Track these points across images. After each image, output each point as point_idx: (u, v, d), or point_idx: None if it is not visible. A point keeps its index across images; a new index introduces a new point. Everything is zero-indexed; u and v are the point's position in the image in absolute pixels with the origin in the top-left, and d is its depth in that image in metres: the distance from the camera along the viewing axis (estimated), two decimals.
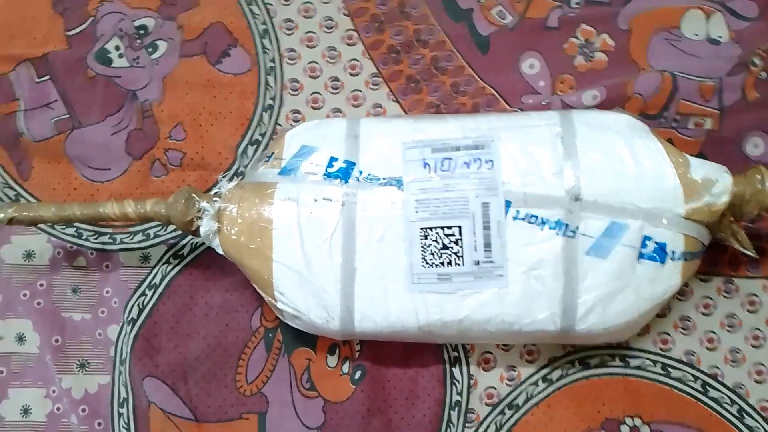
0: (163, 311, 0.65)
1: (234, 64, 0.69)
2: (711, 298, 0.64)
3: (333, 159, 0.58)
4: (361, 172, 0.57)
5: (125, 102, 0.69)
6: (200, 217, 0.57)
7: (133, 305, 0.66)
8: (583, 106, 0.65)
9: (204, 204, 0.57)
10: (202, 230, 0.57)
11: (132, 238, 0.67)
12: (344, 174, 0.57)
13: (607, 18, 0.66)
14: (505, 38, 0.68)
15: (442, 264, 0.55)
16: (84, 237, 0.67)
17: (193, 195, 0.58)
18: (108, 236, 0.67)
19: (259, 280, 0.57)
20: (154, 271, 0.66)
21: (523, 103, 0.66)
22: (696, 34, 0.66)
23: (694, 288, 0.64)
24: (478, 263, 0.55)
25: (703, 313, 0.63)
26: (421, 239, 0.55)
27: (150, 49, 0.69)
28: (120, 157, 0.68)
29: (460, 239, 0.55)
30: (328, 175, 0.57)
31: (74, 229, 0.67)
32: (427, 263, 0.55)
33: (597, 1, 0.67)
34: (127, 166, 0.68)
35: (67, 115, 0.68)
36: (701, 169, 0.55)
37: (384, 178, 0.56)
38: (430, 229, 0.55)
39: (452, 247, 0.55)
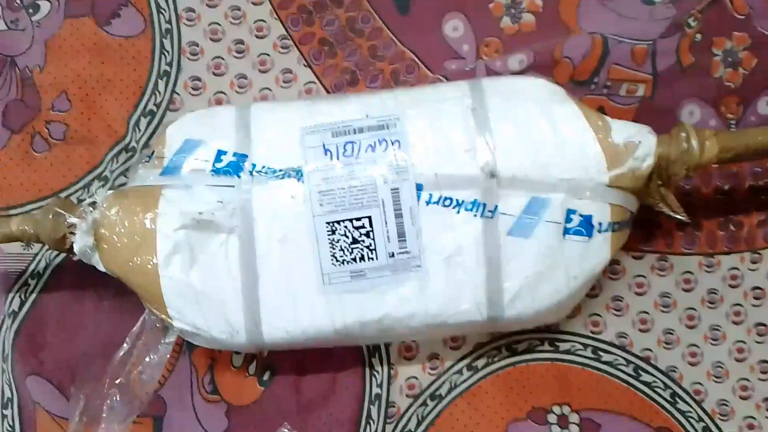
0: (48, 302, 0.59)
1: (125, 26, 0.61)
2: (644, 277, 0.60)
3: (221, 153, 0.51)
4: (254, 165, 0.50)
5: (3, 69, 0.61)
6: (73, 233, 0.50)
7: (14, 297, 0.59)
8: (509, 71, 0.60)
9: (75, 219, 0.50)
10: (76, 247, 0.50)
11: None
12: (235, 168, 0.50)
13: None
14: None
15: (354, 260, 0.50)
16: None
17: (61, 210, 0.50)
18: None
19: (150, 298, 0.51)
20: (38, 258, 0.59)
21: (446, 69, 0.61)
22: None
23: (627, 266, 0.59)
24: (392, 255, 0.50)
25: (636, 293, 0.60)
26: (329, 235, 0.49)
27: (31, 10, 0.61)
28: None
29: (371, 231, 0.49)
30: (216, 171, 0.50)
31: None
32: (338, 261, 0.50)
33: None
34: (6, 140, 0.60)
35: None
36: (623, 131, 0.51)
37: (281, 170, 0.50)
38: (338, 222, 0.49)
39: (363, 241, 0.49)
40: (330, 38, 0.62)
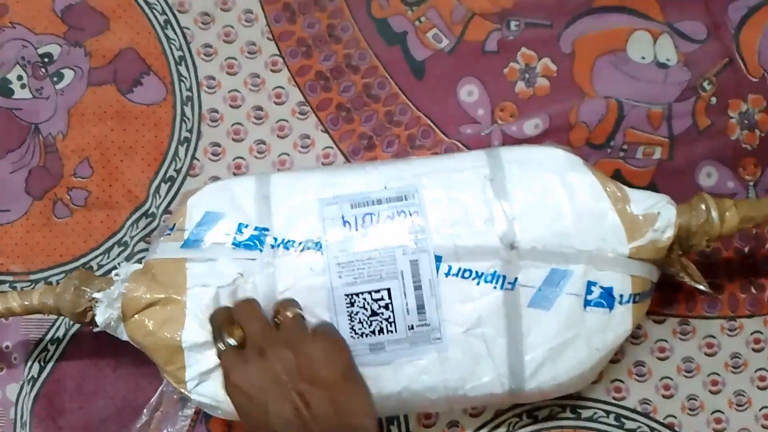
0: (67, 368, 0.59)
1: (147, 94, 0.62)
2: (666, 341, 0.59)
3: (242, 225, 0.51)
4: (275, 239, 0.51)
5: (27, 136, 0.62)
6: (95, 307, 0.51)
7: (33, 363, 0.59)
8: (525, 135, 0.60)
9: (98, 294, 0.50)
10: (99, 320, 0.50)
11: (32, 287, 0.60)
12: (256, 241, 0.51)
13: (548, 41, 0.62)
14: (442, 63, 0.63)
15: (373, 332, 0.49)
16: None
17: (82, 285, 0.51)
18: (8, 285, 0.60)
19: (170, 370, 0.51)
20: (57, 324, 0.60)
21: (461, 133, 0.61)
22: (643, 57, 0.61)
23: (648, 331, 0.59)
24: (412, 328, 0.49)
25: (658, 358, 0.59)
26: (348, 307, 0.49)
27: (55, 79, 0.63)
28: (19, 197, 0.61)
29: (390, 303, 0.49)
30: (236, 244, 0.51)
31: None
32: (357, 333, 0.49)
33: (537, 23, 0.62)
34: (28, 207, 0.61)
35: None
36: (642, 202, 0.51)
37: (300, 242, 0.50)
38: (356, 294, 0.49)
39: (382, 313, 0.49)
40: (347, 104, 0.63)
